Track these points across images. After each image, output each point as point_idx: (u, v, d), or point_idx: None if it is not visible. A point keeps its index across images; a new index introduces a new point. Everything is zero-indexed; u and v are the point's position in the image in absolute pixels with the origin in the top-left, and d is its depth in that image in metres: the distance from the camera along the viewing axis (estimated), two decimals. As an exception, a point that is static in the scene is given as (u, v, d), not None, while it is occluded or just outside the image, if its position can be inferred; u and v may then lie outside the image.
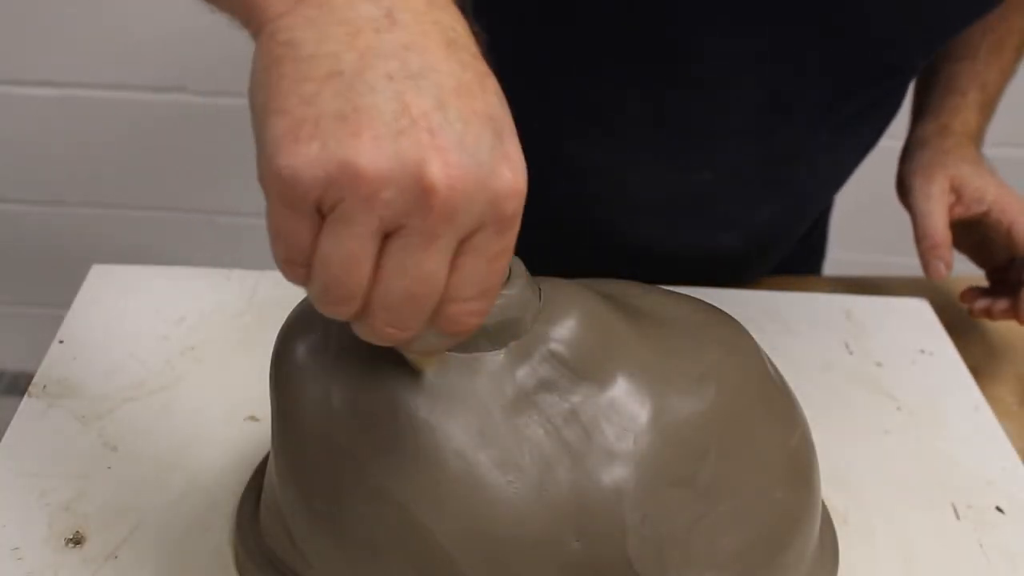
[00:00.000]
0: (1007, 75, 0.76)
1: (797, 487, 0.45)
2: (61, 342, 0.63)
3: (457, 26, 0.33)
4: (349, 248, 0.30)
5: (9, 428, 0.56)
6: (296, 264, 0.31)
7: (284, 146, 0.29)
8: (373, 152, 0.29)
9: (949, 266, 0.69)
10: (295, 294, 0.48)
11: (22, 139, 1.41)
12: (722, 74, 0.61)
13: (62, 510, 0.51)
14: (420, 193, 0.29)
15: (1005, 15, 0.75)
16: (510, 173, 0.31)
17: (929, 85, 0.77)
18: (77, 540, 0.49)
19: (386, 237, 0.30)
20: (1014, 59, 0.76)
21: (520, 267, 0.44)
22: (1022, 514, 0.56)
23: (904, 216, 0.73)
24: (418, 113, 0.30)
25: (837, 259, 1.54)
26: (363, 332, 0.33)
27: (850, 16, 0.59)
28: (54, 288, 1.12)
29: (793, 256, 0.85)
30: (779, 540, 0.44)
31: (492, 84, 0.32)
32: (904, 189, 0.74)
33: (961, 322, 0.75)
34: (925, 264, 0.69)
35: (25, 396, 0.58)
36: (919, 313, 0.73)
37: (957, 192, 0.70)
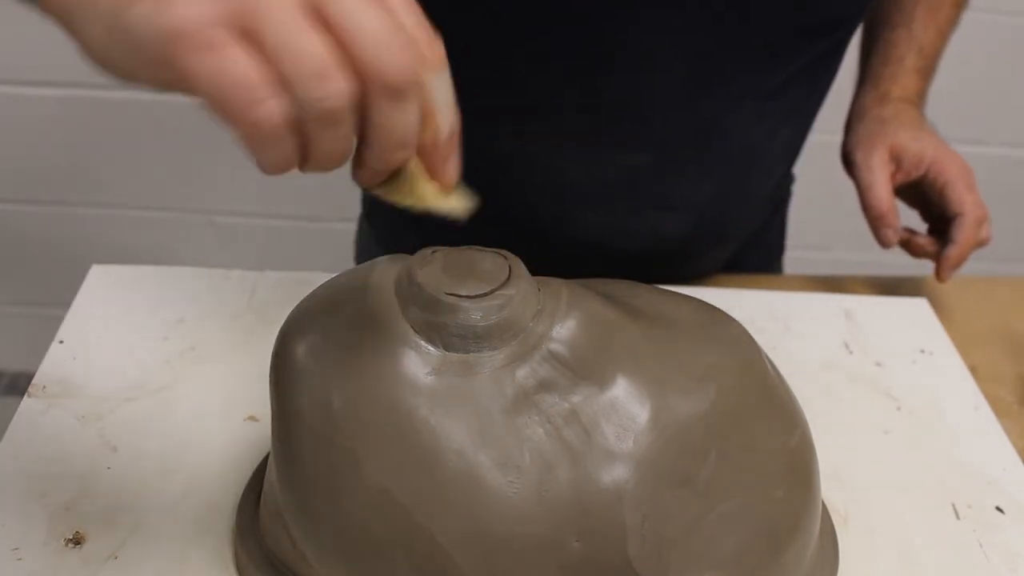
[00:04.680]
0: (945, 35, 0.78)
1: (797, 487, 0.45)
2: (61, 342, 0.63)
3: None
4: (289, 23, 0.31)
5: (9, 428, 0.56)
6: (264, 96, 0.31)
7: (167, 11, 0.30)
8: None
9: (897, 232, 0.73)
10: (295, 294, 0.48)
11: (22, 139, 1.41)
12: (645, 48, 0.61)
13: (62, 510, 0.51)
14: None
15: None
16: None
17: (868, 54, 0.79)
18: (77, 540, 0.49)
19: (316, 18, 0.31)
20: (951, 18, 0.78)
21: (520, 267, 0.44)
22: (1022, 514, 0.56)
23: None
24: None
25: (838, 259, 1.54)
26: (381, 102, 0.33)
27: None
28: (54, 288, 1.12)
29: (749, 252, 0.84)
30: (779, 540, 0.44)
31: None
32: (848, 162, 0.76)
33: (961, 322, 0.75)
34: (875, 234, 0.73)
35: (25, 396, 0.58)
36: (919, 313, 0.73)
37: (897, 160, 0.73)
